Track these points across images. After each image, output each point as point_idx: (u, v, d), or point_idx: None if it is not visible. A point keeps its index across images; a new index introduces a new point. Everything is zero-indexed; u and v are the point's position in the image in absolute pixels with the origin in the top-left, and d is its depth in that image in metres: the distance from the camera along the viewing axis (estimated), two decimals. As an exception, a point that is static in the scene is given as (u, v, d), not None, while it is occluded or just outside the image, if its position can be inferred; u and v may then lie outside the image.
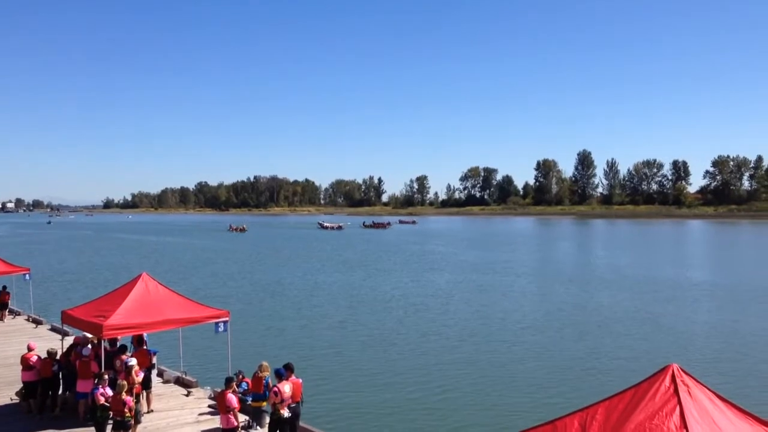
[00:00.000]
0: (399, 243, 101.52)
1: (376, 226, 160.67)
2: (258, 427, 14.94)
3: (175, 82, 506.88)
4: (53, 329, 26.99)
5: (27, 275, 31.84)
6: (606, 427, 7.03)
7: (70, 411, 16.20)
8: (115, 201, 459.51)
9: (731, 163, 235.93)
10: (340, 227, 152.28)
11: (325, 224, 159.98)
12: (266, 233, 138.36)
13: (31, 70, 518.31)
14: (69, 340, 19.28)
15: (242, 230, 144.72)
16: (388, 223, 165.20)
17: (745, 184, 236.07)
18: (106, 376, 14.67)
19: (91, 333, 16.92)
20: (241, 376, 16.06)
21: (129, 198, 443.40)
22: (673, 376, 7.05)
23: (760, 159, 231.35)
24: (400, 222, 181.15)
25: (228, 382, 14.14)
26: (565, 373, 23.51)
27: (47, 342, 21.78)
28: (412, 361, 25.24)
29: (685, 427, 6.51)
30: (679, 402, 6.75)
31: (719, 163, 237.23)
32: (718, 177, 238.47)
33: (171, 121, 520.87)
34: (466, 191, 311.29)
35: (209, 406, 16.81)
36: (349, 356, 26.13)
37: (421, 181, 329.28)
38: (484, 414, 18.95)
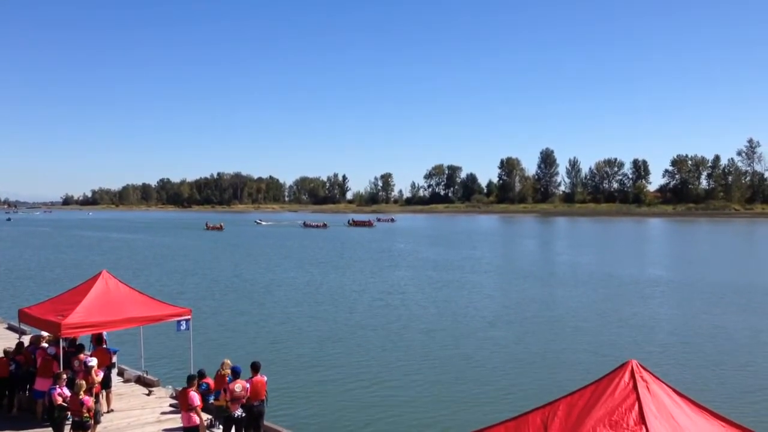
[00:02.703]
0: (384, 240, 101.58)
1: (360, 224, 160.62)
2: (221, 426, 14.82)
3: (135, 77, 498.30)
4: (10, 328, 26.39)
5: None
6: (567, 423, 7.12)
7: (27, 411, 15.87)
8: (75, 197, 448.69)
9: (690, 162, 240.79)
10: (324, 225, 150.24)
11: (310, 223, 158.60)
12: (244, 232, 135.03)
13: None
14: (26, 339, 18.88)
15: (219, 228, 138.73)
16: (370, 222, 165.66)
17: (703, 183, 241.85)
18: (64, 376, 14.40)
19: (49, 332, 16.59)
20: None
21: (89, 194, 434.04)
22: (632, 372, 7.16)
23: (717, 158, 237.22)
24: (379, 220, 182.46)
25: (190, 380, 14.00)
26: (526, 369, 23.77)
27: (4, 341, 21.27)
28: (375, 358, 25.27)
29: (644, 422, 6.63)
30: (638, 398, 6.86)
31: (678, 162, 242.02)
32: (677, 176, 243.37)
33: (132, 117, 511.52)
34: (430, 189, 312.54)
35: (171, 405, 16.61)
36: (314, 353, 26.04)
37: (386, 178, 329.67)
38: (446, 409, 19.04)
